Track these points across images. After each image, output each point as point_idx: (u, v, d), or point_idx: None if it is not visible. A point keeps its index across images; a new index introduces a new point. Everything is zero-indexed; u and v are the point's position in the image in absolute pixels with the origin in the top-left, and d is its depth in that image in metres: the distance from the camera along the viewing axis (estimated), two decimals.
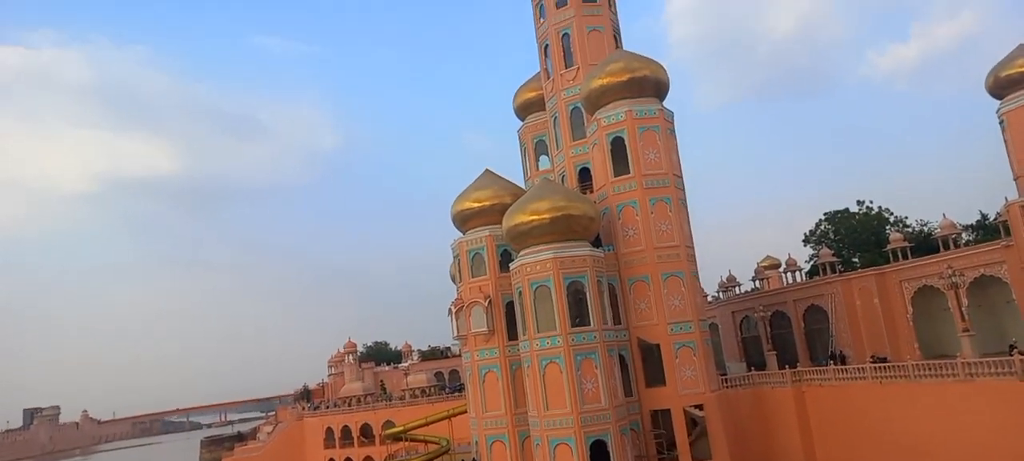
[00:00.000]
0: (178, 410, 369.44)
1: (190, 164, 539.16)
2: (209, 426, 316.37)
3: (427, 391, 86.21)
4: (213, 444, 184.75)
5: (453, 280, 46.13)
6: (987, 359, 32.09)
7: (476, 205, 43.18)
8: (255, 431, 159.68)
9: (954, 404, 31.97)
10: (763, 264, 60.86)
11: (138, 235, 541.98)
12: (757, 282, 60.30)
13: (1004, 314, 40.83)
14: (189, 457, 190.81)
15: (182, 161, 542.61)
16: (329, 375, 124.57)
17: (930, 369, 34.02)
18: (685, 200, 41.63)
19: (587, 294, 36.85)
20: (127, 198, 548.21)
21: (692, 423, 38.21)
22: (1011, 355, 31.11)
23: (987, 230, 52.60)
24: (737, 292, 61.61)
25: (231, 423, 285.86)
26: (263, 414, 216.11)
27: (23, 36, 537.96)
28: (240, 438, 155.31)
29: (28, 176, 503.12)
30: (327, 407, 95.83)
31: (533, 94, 49.75)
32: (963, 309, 38.57)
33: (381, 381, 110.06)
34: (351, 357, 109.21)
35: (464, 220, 43.81)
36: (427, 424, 52.75)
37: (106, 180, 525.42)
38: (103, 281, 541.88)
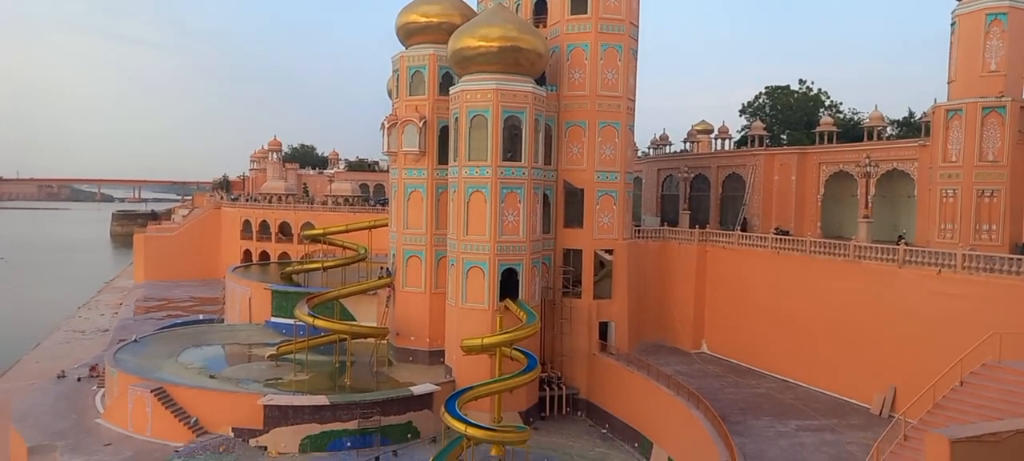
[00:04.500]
0: (89, 180, 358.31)
1: None
2: (121, 201, 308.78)
3: (350, 200, 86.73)
4: (125, 218, 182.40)
5: (389, 95, 44.99)
6: (876, 244, 34.70)
7: (423, 20, 41.39)
8: (170, 212, 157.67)
9: (839, 281, 34.79)
10: (697, 127, 62.11)
11: None
12: (688, 145, 61.73)
13: (902, 207, 43.75)
14: (100, 229, 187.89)
15: None
16: (251, 169, 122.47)
17: (824, 247, 36.55)
18: (636, 51, 41.17)
19: (523, 130, 36.86)
20: None
21: (599, 265, 40.49)
22: (897, 244, 33.75)
23: (911, 127, 54.81)
24: (667, 151, 63.09)
25: (145, 201, 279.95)
26: (179, 197, 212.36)
27: None
28: (154, 217, 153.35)
29: None
30: (247, 200, 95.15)
31: None
32: (869, 197, 40.98)
33: (304, 184, 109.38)
34: (275, 155, 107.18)
35: (408, 34, 42.07)
36: (347, 231, 53.35)
37: None
38: (11, 29, 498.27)
